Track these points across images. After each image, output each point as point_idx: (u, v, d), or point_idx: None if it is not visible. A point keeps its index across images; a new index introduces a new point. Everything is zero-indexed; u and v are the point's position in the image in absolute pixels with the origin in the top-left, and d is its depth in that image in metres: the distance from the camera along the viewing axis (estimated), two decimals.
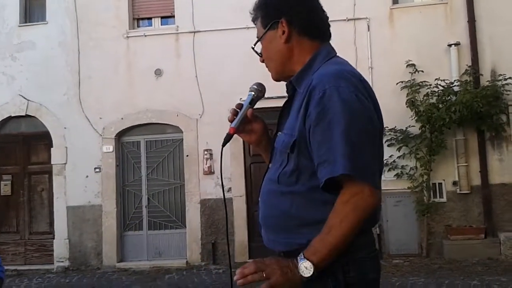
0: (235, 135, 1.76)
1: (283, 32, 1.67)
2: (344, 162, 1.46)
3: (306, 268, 1.47)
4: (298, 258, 1.49)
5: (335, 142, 1.48)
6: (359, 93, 1.54)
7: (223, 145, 1.72)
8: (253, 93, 1.80)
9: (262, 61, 1.79)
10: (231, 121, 1.75)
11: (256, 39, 1.77)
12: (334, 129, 1.49)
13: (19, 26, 9.30)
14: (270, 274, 1.48)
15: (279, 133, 1.71)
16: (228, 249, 1.91)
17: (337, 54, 1.73)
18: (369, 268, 1.61)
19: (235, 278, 1.54)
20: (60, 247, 8.82)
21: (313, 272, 1.47)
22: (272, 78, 1.80)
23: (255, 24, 1.78)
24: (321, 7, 1.74)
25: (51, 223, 9.03)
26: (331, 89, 1.51)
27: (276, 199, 1.65)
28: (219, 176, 8.45)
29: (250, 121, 1.80)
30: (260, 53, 1.78)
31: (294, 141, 1.59)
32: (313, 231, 1.54)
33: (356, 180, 1.48)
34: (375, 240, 1.74)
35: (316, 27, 1.71)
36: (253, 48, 1.80)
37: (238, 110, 1.76)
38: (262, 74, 1.97)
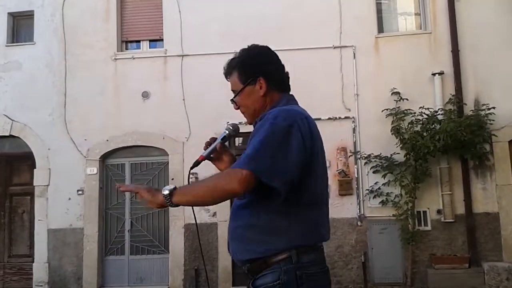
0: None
1: (261, 87, 2.08)
2: (244, 160, 1.83)
3: (168, 190, 1.93)
4: (166, 187, 1.95)
5: (249, 148, 1.87)
6: (293, 123, 1.89)
7: (191, 168, 2.15)
8: (227, 132, 2.22)
9: (237, 109, 2.17)
10: (204, 150, 2.22)
11: (234, 92, 2.15)
12: (254, 140, 1.88)
13: (6, 45, 9.26)
14: (141, 194, 2.02)
15: None
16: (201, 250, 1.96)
17: (297, 103, 2.15)
18: (320, 282, 1.94)
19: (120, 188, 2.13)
20: (40, 271, 8.62)
21: (168, 196, 1.93)
22: (248, 122, 2.18)
23: (228, 79, 2.17)
24: (283, 66, 2.17)
25: (31, 246, 8.83)
26: (270, 115, 1.94)
27: (239, 213, 2.00)
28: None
29: (220, 153, 2.23)
30: (233, 101, 2.16)
31: None
32: (268, 237, 1.90)
33: (241, 167, 1.81)
34: (325, 258, 2.07)
35: (282, 82, 2.16)
36: (232, 100, 2.16)
37: (211, 143, 2.21)
38: None
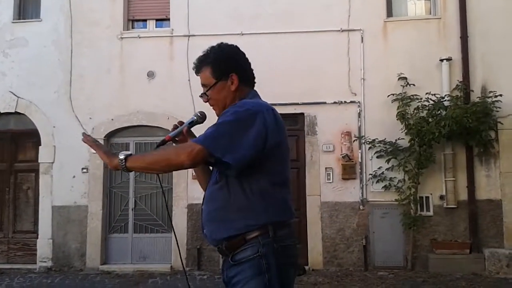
0: None
1: (232, 83, 2.24)
2: (201, 137, 2.03)
3: (124, 155, 2.06)
4: (122, 153, 2.08)
5: (209, 128, 2.06)
6: (258, 112, 2.07)
7: (157, 146, 2.24)
8: (195, 118, 2.37)
9: (206, 101, 2.31)
10: (171, 131, 2.36)
11: (204, 86, 2.30)
12: (217, 123, 2.08)
13: (13, 22, 9.23)
14: (97, 152, 2.21)
15: None
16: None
17: (260, 98, 2.31)
18: (292, 253, 2.14)
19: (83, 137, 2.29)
20: (44, 247, 8.72)
21: (123, 160, 2.05)
22: (217, 114, 2.29)
23: (198, 74, 2.31)
24: (250, 64, 2.33)
25: (36, 222, 8.93)
26: (237, 105, 2.16)
27: (217, 195, 2.15)
28: None
29: (185, 137, 2.36)
30: (204, 95, 2.30)
31: None
32: (247, 214, 2.07)
33: (198, 143, 1.99)
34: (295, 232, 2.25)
35: (251, 79, 2.33)
36: (202, 95, 2.32)
37: (178, 126, 2.36)
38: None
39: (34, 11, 9.38)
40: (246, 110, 2.09)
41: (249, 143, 2.02)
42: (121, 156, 2.06)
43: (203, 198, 2.26)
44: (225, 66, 2.25)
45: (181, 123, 2.39)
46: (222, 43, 2.35)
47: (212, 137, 2.01)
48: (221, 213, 2.13)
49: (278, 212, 2.13)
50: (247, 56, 2.34)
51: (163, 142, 2.31)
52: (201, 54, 2.32)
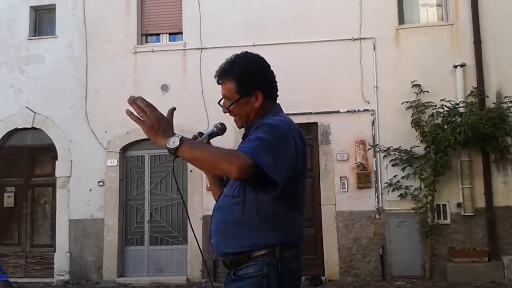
0: None
1: (256, 99, 2.15)
2: (248, 148, 1.90)
3: (173, 142, 1.90)
4: (177, 135, 1.92)
5: (250, 141, 1.96)
6: (290, 131, 2.03)
7: (174, 158, 2.05)
8: (215, 129, 2.27)
9: (225, 113, 2.23)
10: None
11: (225, 97, 2.20)
12: (255, 137, 1.97)
13: (29, 39, 9.41)
14: (146, 120, 1.97)
15: None
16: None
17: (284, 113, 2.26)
18: (295, 276, 2.11)
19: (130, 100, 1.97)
20: (61, 261, 8.79)
21: (173, 149, 1.89)
22: (238, 126, 2.25)
23: (220, 83, 2.19)
24: (275, 77, 2.25)
25: (53, 236, 9.01)
26: (267, 121, 2.06)
27: (231, 209, 2.09)
28: None
29: None
30: (224, 107, 2.21)
31: None
32: (256, 234, 2.02)
33: (248, 155, 1.87)
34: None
35: (275, 94, 2.25)
36: (222, 107, 2.22)
37: (198, 137, 2.24)
38: None
39: (49, 28, 9.55)
40: (282, 127, 2.02)
41: (286, 163, 1.97)
42: (176, 144, 1.89)
43: (215, 206, 2.22)
44: (250, 83, 2.15)
45: (200, 134, 2.28)
46: (247, 53, 2.23)
47: (260, 152, 1.89)
48: (231, 227, 2.09)
49: (288, 234, 2.09)
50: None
51: None
52: (225, 61, 2.21)
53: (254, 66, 2.19)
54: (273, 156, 1.91)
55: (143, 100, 1.97)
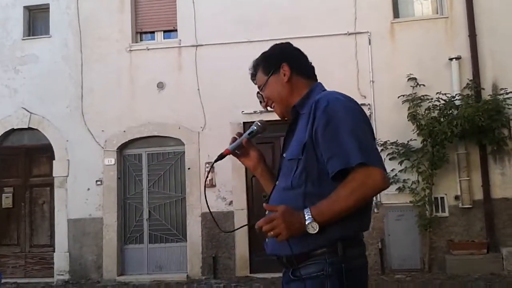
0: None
1: (284, 74, 2.03)
2: (357, 154, 1.73)
3: (313, 227, 1.74)
4: (306, 215, 1.74)
5: (344, 139, 1.77)
6: (355, 103, 1.89)
7: (215, 161, 2.08)
8: (255, 128, 2.14)
9: (265, 106, 2.12)
10: (230, 144, 2.13)
11: (260, 86, 2.10)
12: (341, 129, 1.79)
13: (23, 39, 9.37)
14: (281, 232, 1.74)
15: (285, 153, 1.99)
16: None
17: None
18: (361, 276, 1.91)
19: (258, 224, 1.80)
20: (60, 260, 8.79)
21: (312, 226, 1.73)
22: (278, 115, 2.12)
23: (254, 79, 2.13)
24: (307, 56, 2.13)
25: (52, 236, 9.00)
26: (333, 100, 1.87)
27: (290, 202, 1.84)
28: (221, 189, 8.45)
29: (246, 149, 2.16)
30: (260, 96, 2.10)
31: (305, 143, 1.86)
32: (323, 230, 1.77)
33: (369, 165, 1.73)
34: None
35: (308, 69, 2.11)
36: (258, 96, 2.11)
37: (237, 137, 2.13)
38: None
39: (43, 28, 9.51)
40: (349, 103, 1.88)
41: (375, 146, 1.88)
42: (315, 227, 1.73)
43: (268, 199, 2.02)
44: (273, 58, 2.07)
45: (239, 134, 2.16)
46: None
47: (369, 151, 1.76)
48: None
49: (353, 224, 1.85)
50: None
51: (222, 156, 2.09)
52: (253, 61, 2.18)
53: (275, 47, 2.14)
54: (371, 148, 1.81)
55: (266, 220, 1.77)
